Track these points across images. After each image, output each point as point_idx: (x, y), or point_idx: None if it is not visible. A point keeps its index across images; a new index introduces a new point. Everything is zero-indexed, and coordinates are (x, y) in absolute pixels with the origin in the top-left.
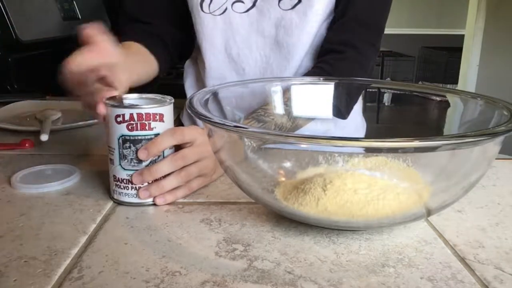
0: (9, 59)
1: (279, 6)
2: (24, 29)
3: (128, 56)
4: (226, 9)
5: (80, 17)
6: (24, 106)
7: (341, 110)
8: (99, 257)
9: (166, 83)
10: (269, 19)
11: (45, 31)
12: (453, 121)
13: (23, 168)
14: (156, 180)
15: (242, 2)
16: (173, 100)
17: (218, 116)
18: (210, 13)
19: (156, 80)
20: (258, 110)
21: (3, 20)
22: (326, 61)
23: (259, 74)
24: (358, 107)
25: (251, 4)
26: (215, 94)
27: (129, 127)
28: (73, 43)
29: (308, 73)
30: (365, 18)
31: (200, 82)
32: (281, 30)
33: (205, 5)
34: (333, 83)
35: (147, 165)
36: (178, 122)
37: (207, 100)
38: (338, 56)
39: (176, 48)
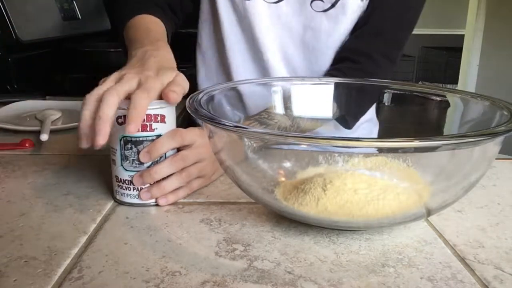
0: (9, 59)
1: (311, 7)
2: (24, 29)
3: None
4: None
5: (80, 17)
6: (24, 106)
7: (348, 120)
8: (99, 257)
9: None
10: (299, 16)
11: (45, 31)
12: (453, 121)
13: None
14: (157, 182)
15: None
16: None
17: (218, 116)
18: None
19: None
20: (262, 113)
21: (3, 20)
22: (340, 69)
23: (278, 67)
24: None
25: None
26: (215, 95)
27: None
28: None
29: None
30: (383, 29)
31: (213, 75)
32: (309, 31)
33: None
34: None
35: (148, 166)
36: (186, 121)
37: (207, 100)
38: (352, 65)
39: (182, 13)
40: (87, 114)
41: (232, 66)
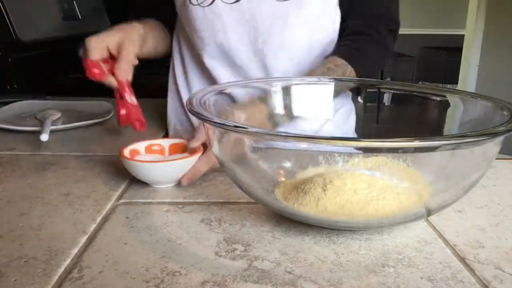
0: (9, 59)
1: None
2: (24, 29)
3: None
4: (213, 0)
5: (80, 17)
6: (24, 106)
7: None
8: (99, 257)
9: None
10: (261, 10)
11: (45, 31)
12: (453, 121)
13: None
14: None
15: None
16: None
17: (218, 116)
18: (198, 4)
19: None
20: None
21: (3, 20)
22: (353, 39)
23: (253, 68)
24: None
25: None
26: (215, 95)
27: None
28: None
29: (337, 51)
30: (379, 10)
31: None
32: (278, 21)
33: None
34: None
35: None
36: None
37: (206, 100)
38: (364, 37)
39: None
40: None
41: (211, 71)
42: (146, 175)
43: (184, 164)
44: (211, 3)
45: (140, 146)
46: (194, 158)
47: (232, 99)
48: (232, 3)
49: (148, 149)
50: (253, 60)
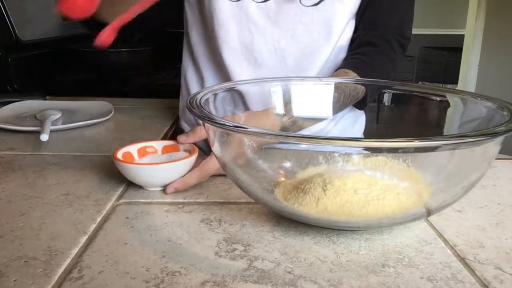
0: (9, 59)
1: (300, 2)
2: (24, 29)
3: None
4: None
5: None
6: (24, 106)
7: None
8: (99, 257)
9: (164, 83)
10: (287, 14)
11: (45, 31)
12: (453, 121)
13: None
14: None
15: None
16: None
17: (218, 116)
18: None
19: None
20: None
21: (3, 20)
22: (363, 52)
23: (272, 67)
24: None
25: None
26: (215, 94)
27: None
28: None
29: (346, 64)
30: (393, 25)
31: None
32: (300, 26)
33: None
34: (333, 83)
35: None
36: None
37: (207, 100)
38: (374, 49)
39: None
40: None
41: (228, 67)
42: (139, 177)
43: (177, 167)
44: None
45: (133, 148)
46: (188, 161)
47: (237, 99)
48: (260, 2)
49: (142, 151)
50: (274, 60)
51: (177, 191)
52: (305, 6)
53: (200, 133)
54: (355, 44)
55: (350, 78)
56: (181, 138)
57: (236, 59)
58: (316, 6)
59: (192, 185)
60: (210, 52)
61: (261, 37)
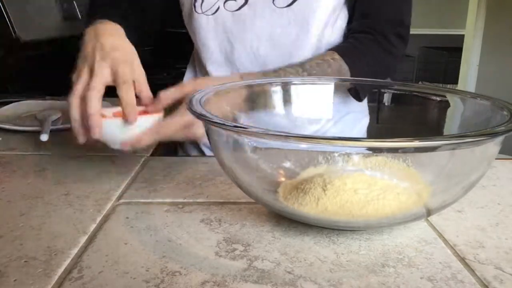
0: (9, 59)
1: (273, 4)
2: (24, 29)
3: None
4: (218, 8)
5: (80, 17)
6: (24, 106)
7: (359, 91)
8: (99, 257)
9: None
10: (263, 17)
11: (45, 31)
12: (453, 121)
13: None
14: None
15: (234, 0)
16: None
17: (217, 116)
18: (203, 13)
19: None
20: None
21: (3, 20)
22: (356, 38)
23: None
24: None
25: (243, 2)
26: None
27: None
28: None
29: (337, 47)
30: (389, 15)
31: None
32: (277, 30)
33: (197, 5)
34: (333, 82)
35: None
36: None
37: (207, 100)
38: (368, 36)
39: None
40: (76, 113)
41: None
42: (104, 134)
43: (137, 122)
44: (216, 12)
45: (108, 111)
46: (146, 118)
47: None
48: (234, 10)
49: (117, 114)
50: (256, 68)
51: (133, 147)
52: (279, 7)
53: (182, 90)
54: (349, 34)
55: (346, 78)
56: (164, 94)
57: (219, 71)
58: (290, 6)
59: (147, 143)
60: (203, 65)
61: (240, 45)
